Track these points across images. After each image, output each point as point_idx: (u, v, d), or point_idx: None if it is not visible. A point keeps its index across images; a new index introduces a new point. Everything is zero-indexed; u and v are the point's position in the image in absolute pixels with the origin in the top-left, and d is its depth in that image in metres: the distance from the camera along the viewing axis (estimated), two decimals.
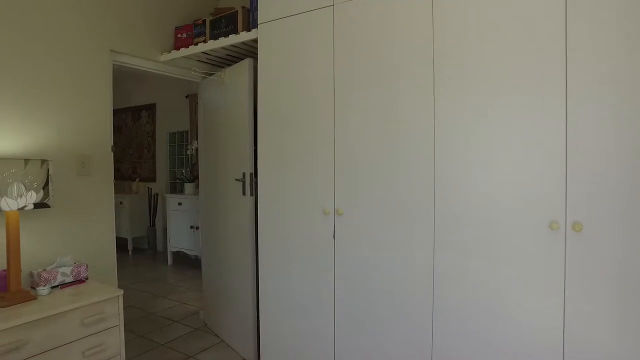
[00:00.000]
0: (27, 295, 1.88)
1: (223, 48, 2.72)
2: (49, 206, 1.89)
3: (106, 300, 1.97)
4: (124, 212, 6.07)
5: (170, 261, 5.45)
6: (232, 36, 2.55)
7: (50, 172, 1.92)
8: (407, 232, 1.86)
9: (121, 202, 6.10)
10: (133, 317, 3.58)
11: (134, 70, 2.88)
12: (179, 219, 5.29)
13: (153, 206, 6.05)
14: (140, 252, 6.20)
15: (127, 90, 6.76)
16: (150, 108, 6.41)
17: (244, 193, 2.72)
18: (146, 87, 6.47)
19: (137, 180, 6.46)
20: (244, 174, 2.72)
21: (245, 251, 2.74)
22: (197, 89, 3.51)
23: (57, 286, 2.09)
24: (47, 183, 1.88)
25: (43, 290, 1.97)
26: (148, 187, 6.21)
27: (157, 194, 6.07)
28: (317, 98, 2.17)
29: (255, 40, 2.50)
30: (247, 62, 2.66)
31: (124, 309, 3.76)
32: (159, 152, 6.30)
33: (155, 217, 6.09)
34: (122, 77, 6.33)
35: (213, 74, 3.09)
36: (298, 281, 2.27)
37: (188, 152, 5.42)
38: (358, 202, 2.01)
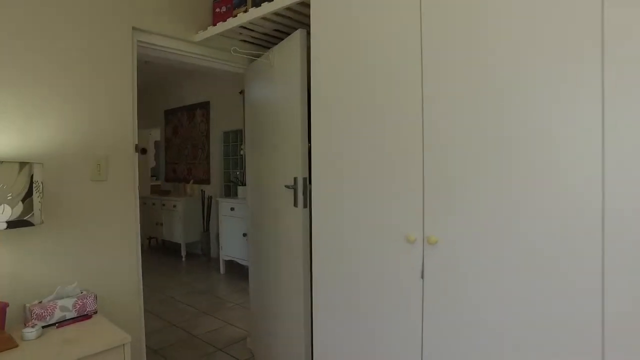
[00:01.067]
0: (5, 342, 1.41)
1: (267, 19, 2.15)
2: (31, 224, 1.41)
3: (105, 351, 1.46)
4: (178, 216, 5.78)
5: (222, 270, 5.04)
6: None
7: (36, 179, 1.45)
8: (559, 291, 1.14)
9: (175, 206, 5.81)
10: (172, 339, 3.14)
11: (163, 56, 2.39)
12: (231, 225, 4.86)
13: (206, 210, 5.70)
14: (193, 258, 5.89)
15: (181, 88, 6.51)
16: (205, 106, 6.08)
17: (295, 204, 2.13)
18: (200, 84, 6.15)
19: (192, 182, 6.16)
20: (295, 179, 2.13)
21: (297, 282, 2.15)
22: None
23: (54, 324, 1.63)
24: (29, 193, 1.40)
25: (30, 332, 1.50)
26: (202, 190, 5.88)
27: (211, 197, 5.71)
28: (395, 81, 1.51)
29: (308, 5, 1.90)
30: (298, 35, 2.07)
31: (165, 327, 3.34)
32: (214, 152, 5.95)
33: (209, 221, 5.73)
34: (175, 75, 6.06)
35: (260, 55, 2.54)
36: (366, 340, 1.62)
37: (241, 152, 4.98)
38: (464, 225, 1.32)
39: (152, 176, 9.33)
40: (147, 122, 7.56)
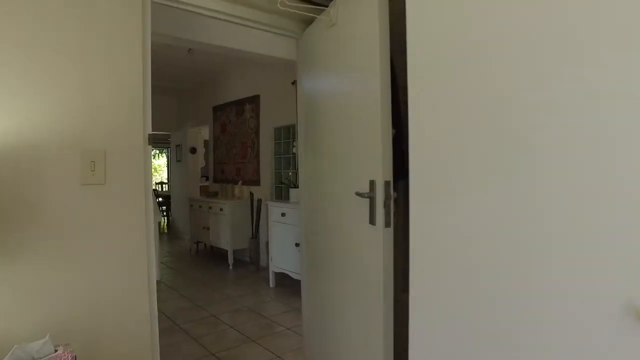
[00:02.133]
0: None
1: None
2: None
3: None
4: (225, 221, 5.29)
5: (272, 283, 4.45)
6: None
7: None
8: None
9: (221, 209, 5.32)
10: None
11: (184, 20, 1.78)
12: (282, 233, 4.25)
13: (256, 215, 5.16)
14: (242, 266, 5.37)
15: (230, 81, 6.03)
16: (254, 100, 5.54)
17: (372, 220, 1.44)
18: (249, 76, 5.63)
19: (240, 183, 5.66)
20: (372, 184, 1.44)
21: (374, 321, 1.46)
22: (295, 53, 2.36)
23: None
24: None
25: None
26: (250, 192, 5.34)
27: (260, 200, 5.15)
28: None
29: None
30: None
31: (202, 358, 2.78)
32: (264, 150, 5.40)
33: (259, 227, 5.18)
34: (223, 67, 5.55)
35: (315, 18, 1.87)
36: None
37: (294, 150, 4.37)
38: None
39: (202, 176, 9.05)
40: (196, 120, 7.19)
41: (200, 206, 5.87)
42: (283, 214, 4.17)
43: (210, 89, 6.64)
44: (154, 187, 11.96)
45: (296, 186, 4.35)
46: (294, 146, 4.35)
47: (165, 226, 9.33)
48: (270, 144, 5.30)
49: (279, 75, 5.07)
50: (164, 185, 10.94)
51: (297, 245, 3.99)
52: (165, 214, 9.93)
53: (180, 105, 7.78)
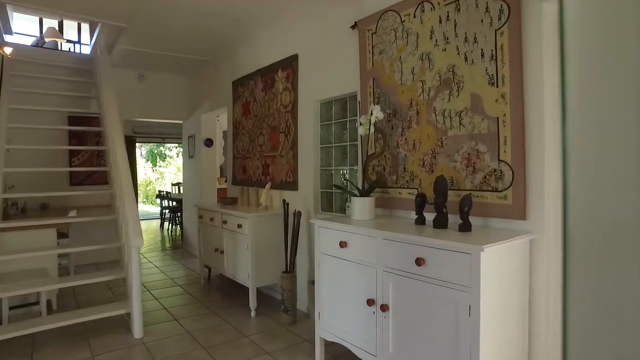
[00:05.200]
0: None
1: None
2: None
3: None
4: (243, 244, 3.50)
5: (318, 357, 2.61)
6: None
7: None
8: None
9: (240, 226, 3.54)
10: None
11: None
12: (340, 275, 2.40)
13: (292, 236, 3.34)
14: (270, 309, 3.57)
15: (255, 43, 4.25)
16: (289, 63, 3.74)
17: None
18: (282, 28, 3.83)
19: (269, 186, 3.86)
20: None
21: None
22: None
23: None
24: None
25: None
26: (283, 201, 3.53)
27: (300, 214, 3.33)
28: None
29: None
30: None
31: None
32: (304, 137, 3.58)
33: (295, 255, 3.36)
34: (244, 24, 3.71)
35: None
36: None
37: (361, 132, 2.53)
38: None
39: (222, 177, 7.32)
40: (213, 102, 5.46)
41: (211, 219, 4.11)
42: (344, 243, 2.32)
43: (229, 58, 4.90)
44: (161, 189, 10.43)
45: (364, 192, 2.49)
46: (362, 125, 2.50)
47: (179, 237, 7.68)
48: (313, 127, 3.48)
49: (328, 20, 3.25)
50: (181, 187, 9.34)
51: (370, 302, 2.13)
52: (178, 222, 8.29)
53: (192, 84, 6.09)
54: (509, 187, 1.99)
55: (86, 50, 5.71)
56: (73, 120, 5.14)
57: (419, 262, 1.85)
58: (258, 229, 3.45)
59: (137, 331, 3.01)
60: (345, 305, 2.33)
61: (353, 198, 2.47)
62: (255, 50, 4.29)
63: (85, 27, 5.91)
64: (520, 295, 1.91)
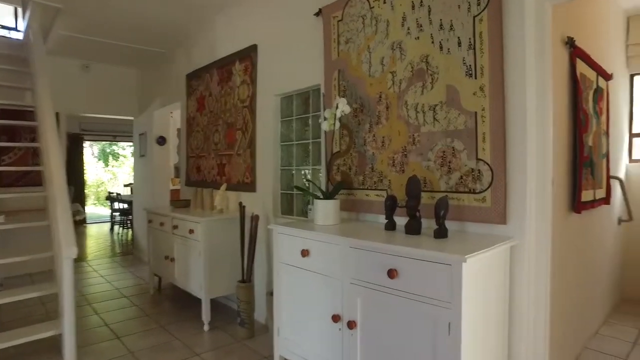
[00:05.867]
0: None
1: None
2: None
3: None
4: (195, 251, 3.18)
5: None
6: None
7: None
8: None
9: (192, 231, 3.21)
10: None
11: None
12: (302, 287, 2.14)
13: (249, 242, 3.05)
14: (226, 323, 3.26)
15: (211, 34, 3.93)
16: (247, 55, 3.45)
17: None
18: (240, 16, 3.54)
19: (224, 187, 3.54)
20: None
21: None
22: None
23: None
24: None
25: None
26: (240, 204, 3.23)
27: (257, 218, 3.05)
28: None
29: None
30: None
31: None
32: (263, 135, 3.30)
33: (253, 263, 3.07)
34: (201, 11, 3.35)
35: None
36: None
37: (325, 128, 2.28)
38: None
39: (176, 177, 6.89)
40: (166, 97, 5.07)
41: (161, 224, 3.74)
42: (305, 252, 2.06)
43: (183, 49, 4.54)
44: (112, 191, 9.73)
45: (327, 195, 2.26)
46: (324, 119, 2.27)
47: (130, 242, 7.16)
48: (273, 123, 3.21)
49: (290, 6, 3.01)
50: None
51: (336, 319, 1.90)
52: (129, 226, 7.76)
53: (144, 77, 5.65)
54: (488, 188, 1.81)
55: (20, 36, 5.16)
56: (4, 113, 4.60)
57: (392, 273, 1.63)
58: (212, 235, 3.14)
59: (69, 355, 2.62)
60: (308, 321, 2.08)
61: (316, 201, 2.23)
62: (212, 40, 3.97)
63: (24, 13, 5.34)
64: (501, 307, 1.73)
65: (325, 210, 2.20)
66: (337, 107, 2.21)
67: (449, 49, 1.93)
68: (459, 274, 1.43)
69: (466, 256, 1.41)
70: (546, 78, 1.75)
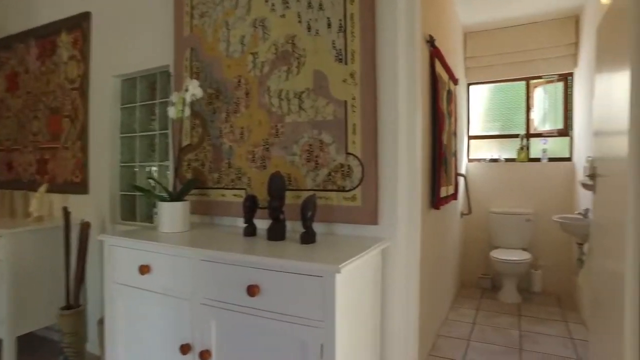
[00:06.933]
0: None
1: None
2: None
3: None
4: None
5: None
6: None
7: None
8: None
9: None
10: None
11: None
12: (142, 312, 1.69)
13: (78, 258, 2.43)
14: (47, 359, 2.56)
15: None
16: (77, 24, 2.79)
17: None
18: None
19: (44, 189, 2.81)
20: None
21: None
22: None
23: None
24: None
25: None
26: (64, 209, 2.57)
27: (87, 226, 2.45)
28: None
29: None
30: None
31: None
32: (97, 123, 2.70)
33: (82, 283, 2.46)
34: None
35: None
36: None
37: (172, 115, 1.87)
38: None
39: None
40: None
41: None
42: (144, 269, 1.63)
43: None
44: None
45: (174, 195, 1.86)
46: (172, 104, 1.86)
47: None
48: (111, 110, 2.64)
49: None
50: None
51: (185, 350, 1.52)
52: None
53: None
54: (358, 185, 1.64)
55: None
56: None
57: (252, 290, 1.33)
58: (21, 251, 2.42)
59: None
60: (151, 355, 1.66)
61: (160, 203, 1.80)
62: (28, 1, 3.14)
63: None
64: (374, 317, 1.58)
65: (172, 214, 1.79)
66: (186, 90, 1.83)
67: (317, 30, 1.72)
68: (332, 286, 1.20)
69: (340, 266, 1.19)
70: (416, 69, 1.66)
